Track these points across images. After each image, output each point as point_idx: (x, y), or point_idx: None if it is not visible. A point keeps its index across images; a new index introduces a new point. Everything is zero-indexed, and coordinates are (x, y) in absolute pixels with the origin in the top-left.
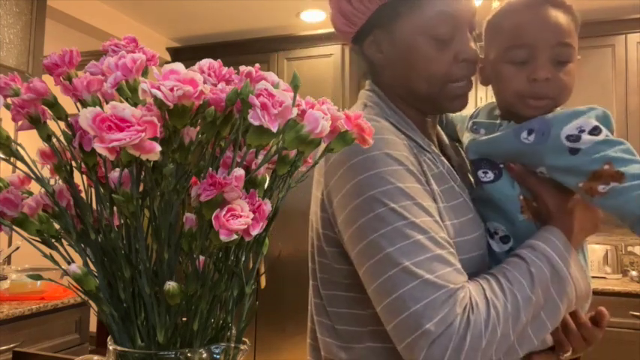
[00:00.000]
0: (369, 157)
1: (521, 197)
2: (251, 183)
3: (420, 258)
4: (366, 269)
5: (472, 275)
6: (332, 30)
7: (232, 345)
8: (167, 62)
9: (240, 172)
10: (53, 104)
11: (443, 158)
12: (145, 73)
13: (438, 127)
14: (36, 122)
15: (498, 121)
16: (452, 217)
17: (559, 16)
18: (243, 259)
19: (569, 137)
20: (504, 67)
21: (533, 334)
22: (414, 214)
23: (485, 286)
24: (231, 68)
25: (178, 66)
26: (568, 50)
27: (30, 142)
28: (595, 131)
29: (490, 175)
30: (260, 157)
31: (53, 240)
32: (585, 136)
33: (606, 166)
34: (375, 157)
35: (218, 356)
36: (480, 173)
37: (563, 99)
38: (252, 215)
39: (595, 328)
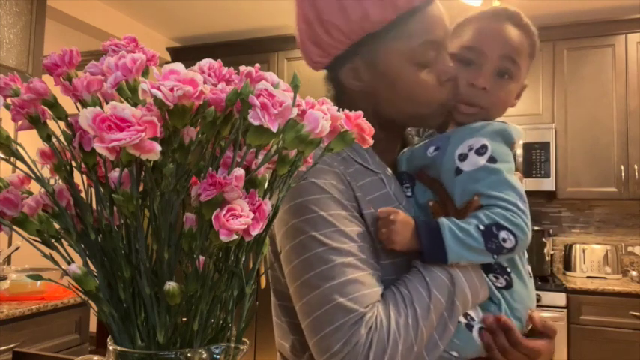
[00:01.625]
0: (297, 186)
1: (431, 203)
2: (251, 183)
3: (336, 282)
4: (292, 291)
5: None
6: None
7: (232, 345)
8: (167, 62)
9: (240, 172)
10: (53, 104)
11: (392, 180)
12: (145, 73)
13: (414, 139)
14: (36, 122)
15: (427, 132)
16: None
17: (515, 33)
18: (243, 259)
19: (460, 156)
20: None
21: (439, 337)
22: (335, 240)
23: (391, 301)
24: (231, 68)
25: (178, 66)
26: (513, 66)
27: (30, 142)
28: (481, 150)
29: (410, 191)
30: (260, 157)
31: (53, 240)
32: (471, 156)
33: (475, 198)
34: (301, 187)
35: (218, 356)
36: (404, 189)
37: (496, 113)
38: (252, 215)
39: (536, 340)
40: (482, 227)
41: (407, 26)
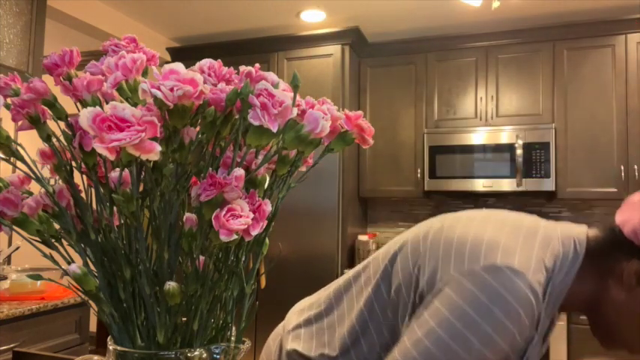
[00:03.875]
0: (496, 314)
1: None
2: (251, 183)
3: None
4: (416, 339)
5: None
6: (332, 30)
7: (232, 345)
8: (167, 62)
9: (240, 172)
10: (53, 104)
11: (537, 345)
12: (145, 73)
13: None
14: (36, 122)
15: None
16: None
17: None
18: (243, 259)
19: None
20: None
21: None
22: None
23: None
24: (231, 68)
25: (178, 66)
26: None
27: (30, 142)
28: None
29: None
30: (260, 157)
31: (53, 240)
32: None
33: None
34: (500, 322)
35: (218, 356)
36: None
37: None
38: (252, 215)
39: None
40: None
41: None
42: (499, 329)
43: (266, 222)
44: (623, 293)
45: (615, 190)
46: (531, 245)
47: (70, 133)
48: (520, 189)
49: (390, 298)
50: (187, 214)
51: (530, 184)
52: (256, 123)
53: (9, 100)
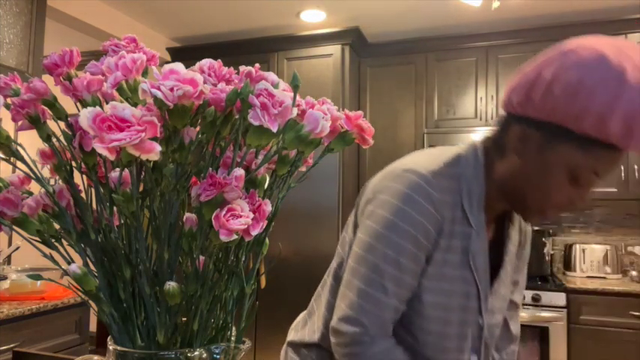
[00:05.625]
0: (395, 204)
1: None
2: (251, 183)
3: (375, 292)
4: (349, 265)
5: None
6: (332, 30)
7: (232, 345)
8: (167, 62)
9: (240, 172)
10: (53, 104)
11: (479, 241)
12: (145, 73)
13: (523, 225)
14: (36, 122)
15: None
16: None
17: None
18: (243, 259)
19: None
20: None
21: None
22: (400, 269)
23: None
24: (231, 68)
25: (178, 66)
26: None
27: (30, 142)
28: None
29: None
30: (260, 157)
31: (53, 240)
32: None
33: None
34: (399, 208)
35: (218, 356)
36: None
37: None
38: (252, 215)
39: None
40: None
41: (595, 148)
42: (399, 214)
43: (266, 222)
44: (518, 162)
45: (615, 190)
46: (436, 156)
47: (70, 133)
48: None
49: (348, 247)
50: (187, 214)
51: None
52: (256, 123)
53: (9, 100)
